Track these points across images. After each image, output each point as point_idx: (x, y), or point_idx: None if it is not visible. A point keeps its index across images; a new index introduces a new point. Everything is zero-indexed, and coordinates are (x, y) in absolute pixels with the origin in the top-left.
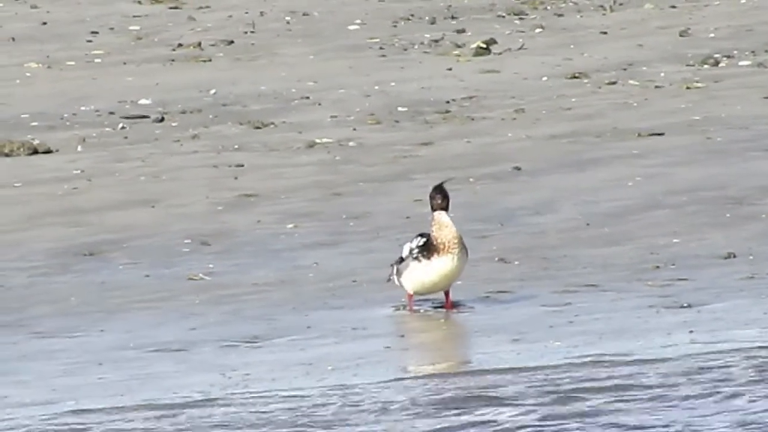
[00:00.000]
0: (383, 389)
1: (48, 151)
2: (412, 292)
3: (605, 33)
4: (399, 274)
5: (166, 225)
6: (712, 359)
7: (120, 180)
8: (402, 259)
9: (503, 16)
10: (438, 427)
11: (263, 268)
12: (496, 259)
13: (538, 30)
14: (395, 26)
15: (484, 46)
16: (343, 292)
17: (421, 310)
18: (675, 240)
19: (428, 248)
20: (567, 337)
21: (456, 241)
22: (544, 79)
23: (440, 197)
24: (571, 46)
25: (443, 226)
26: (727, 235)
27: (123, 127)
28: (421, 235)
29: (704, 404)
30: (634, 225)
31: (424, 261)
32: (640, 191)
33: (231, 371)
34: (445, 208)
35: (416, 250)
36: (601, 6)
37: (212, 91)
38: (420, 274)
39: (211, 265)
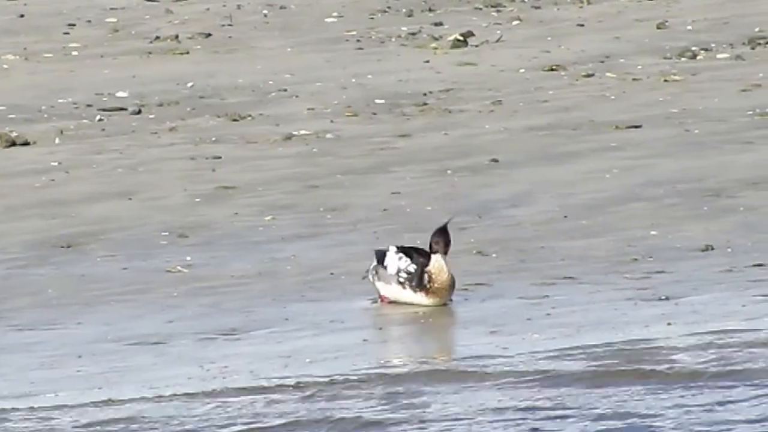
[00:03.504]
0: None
1: (26, 144)
2: (385, 298)
3: (582, 25)
4: (378, 278)
5: (144, 217)
6: None
7: (97, 172)
8: (382, 263)
9: (480, 9)
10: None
11: (241, 261)
12: (474, 251)
13: (515, 22)
14: (372, 19)
15: (462, 38)
16: (321, 284)
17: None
18: (653, 232)
19: (419, 282)
20: (544, 330)
21: (448, 285)
22: (522, 71)
23: (443, 243)
24: (549, 39)
25: (442, 272)
26: (705, 228)
27: (100, 120)
28: (405, 253)
29: None
30: (611, 217)
31: (408, 290)
32: (617, 183)
33: (209, 364)
34: (446, 253)
35: (404, 275)
36: None
37: (189, 84)
38: (400, 296)
39: (188, 258)
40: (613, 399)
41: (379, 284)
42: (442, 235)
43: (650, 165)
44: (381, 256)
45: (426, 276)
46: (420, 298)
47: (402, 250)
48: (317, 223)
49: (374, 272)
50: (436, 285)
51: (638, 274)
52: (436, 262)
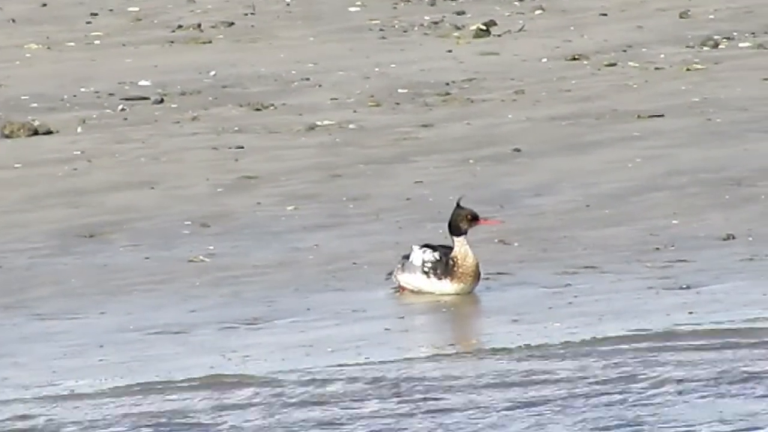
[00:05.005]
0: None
1: (48, 133)
2: (406, 288)
3: (605, 15)
4: (402, 270)
5: (166, 207)
6: None
7: (120, 161)
8: (406, 257)
9: None
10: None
11: (263, 250)
12: (496, 240)
13: (537, 12)
14: (395, 8)
15: (484, 27)
16: (343, 274)
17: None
18: (674, 221)
19: (444, 268)
20: (566, 319)
21: (473, 270)
22: (544, 60)
23: (470, 212)
24: (571, 28)
25: (468, 256)
26: (727, 217)
27: (123, 109)
28: (429, 247)
29: None
30: (633, 207)
31: (433, 279)
32: (639, 173)
33: (231, 353)
34: (477, 219)
35: (429, 265)
36: None
37: (212, 73)
38: (424, 287)
39: (211, 247)
40: None
41: (402, 276)
42: (464, 208)
43: (672, 154)
44: (406, 257)
45: (451, 261)
46: (445, 285)
47: (426, 246)
48: (340, 213)
49: (399, 266)
50: (461, 270)
51: (660, 263)
52: (462, 246)
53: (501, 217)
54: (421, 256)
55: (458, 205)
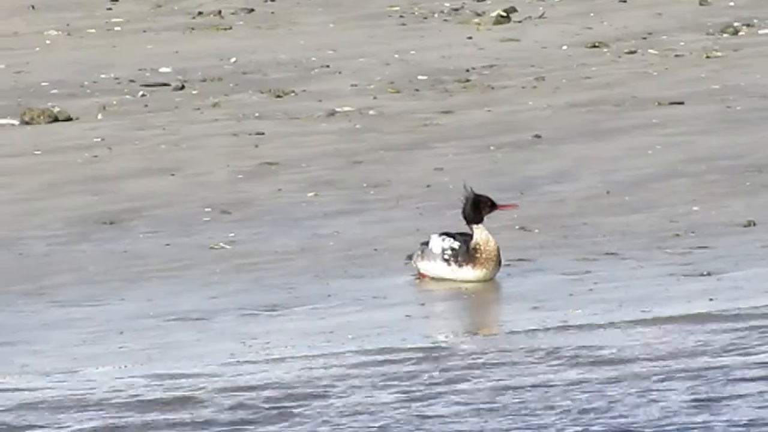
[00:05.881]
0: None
1: (68, 119)
2: (426, 275)
3: (625, 2)
4: (422, 258)
5: (187, 193)
6: None
7: (140, 148)
8: (425, 244)
9: None
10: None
11: (284, 237)
12: (517, 227)
13: None
14: None
15: (504, 14)
16: (363, 260)
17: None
18: (695, 208)
19: (465, 255)
20: (587, 305)
21: (495, 255)
22: (564, 47)
23: (488, 199)
24: (591, 15)
25: (489, 242)
26: (747, 204)
27: (143, 95)
28: (448, 235)
29: None
30: (653, 193)
31: (454, 266)
32: (659, 160)
33: (251, 340)
34: (495, 206)
35: (449, 252)
36: None
37: (232, 60)
38: (445, 274)
39: (231, 234)
40: None
41: (422, 264)
42: (479, 194)
43: (692, 141)
44: (425, 244)
45: (474, 248)
46: (466, 272)
47: (444, 233)
48: (360, 200)
49: (419, 252)
50: (484, 256)
51: (680, 249)
52: (481, 232)
53: (521, 204)
54: (440, 243)
55: (475, 193)
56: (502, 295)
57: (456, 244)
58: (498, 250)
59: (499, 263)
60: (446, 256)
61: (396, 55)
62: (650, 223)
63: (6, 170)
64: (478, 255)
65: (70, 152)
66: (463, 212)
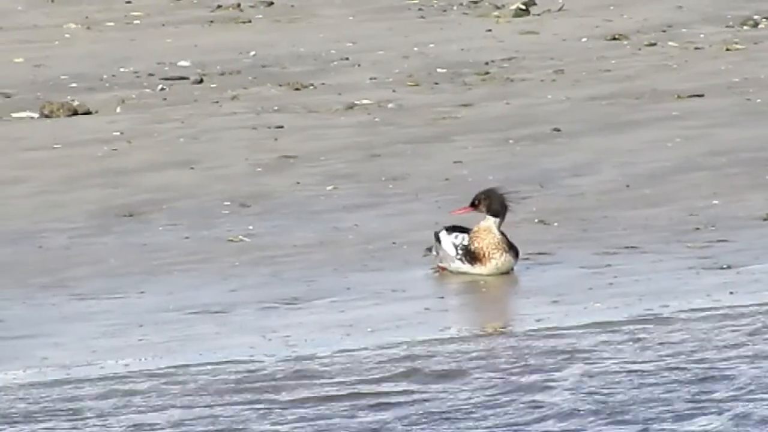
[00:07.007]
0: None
1: (87, 113)
2: (445, 269)
3: None
4: (440, 260)
5: (206, 186)
6: None
7: (159, 141)
8: (437, 237)
9: None
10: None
11: (303, 230)
12: (536, 220)
13: None
14: None
15: (524, 7)
16: (382, 253)
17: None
18: (715, 201)
19: (470, 255)
20: (606, 299)
21: (495, 246)
22: (584, 40)
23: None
24: (611, 8)
25: (483, 233)
26: (767, 197)
27: (162, 89)
28: (456, 229)
29: None
30: (673, 186)
31: (467, 265)
32: (679, 153)
33: (271, 333)
34: (494, 215)
35: (461, 251)
36: None
37: (251, 53)
38: (466, 270)
39: (250, 227)
40: None
41: (442, 263)
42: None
43: (712, 134)
44: (437, 237)
45: (471, 247)
46: (478, 269)
47: (453, 228)
48: (379, 193)
49: (436, 252)
50: (480, 250)
51: (700, 243)
52: (482, 223)
53: (540, 197)
54: (452, 241)
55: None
56: (521, 288)
57: (465, 239)
58: (498, 241)
59: (507, 251)
60: (459, 255)
61: (415, 48)
62: (670, 216)
63: (26, 164)
64: (476, 252)
65: (90, 145)
66: (497, 202)
